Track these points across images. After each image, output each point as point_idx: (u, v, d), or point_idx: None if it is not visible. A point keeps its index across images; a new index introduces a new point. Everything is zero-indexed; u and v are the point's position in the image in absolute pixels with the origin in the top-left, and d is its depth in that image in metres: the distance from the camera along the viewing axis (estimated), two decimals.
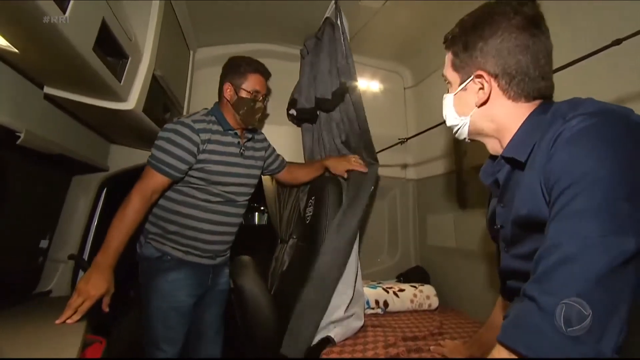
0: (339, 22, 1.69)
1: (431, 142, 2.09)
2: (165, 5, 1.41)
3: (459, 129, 0.83)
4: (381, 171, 2.23)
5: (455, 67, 0.80)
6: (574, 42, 1.11)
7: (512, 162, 0.73)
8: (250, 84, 1.47)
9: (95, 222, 1.92)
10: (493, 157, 0.83)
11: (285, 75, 2.05)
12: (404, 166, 2.33)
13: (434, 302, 1.94)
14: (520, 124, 0.72)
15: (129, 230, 1.24)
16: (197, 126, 1.36)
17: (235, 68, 1.49)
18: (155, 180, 1.32)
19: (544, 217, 0.60)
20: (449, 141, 1.97)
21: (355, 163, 1.71)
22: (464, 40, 0.77)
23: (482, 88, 0.76)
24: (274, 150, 1.74)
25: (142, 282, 1.42)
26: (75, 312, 1.08)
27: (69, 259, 1.75)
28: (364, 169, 1.69)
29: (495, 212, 0.83)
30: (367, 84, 2.35)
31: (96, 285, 1.13)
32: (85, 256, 1.89)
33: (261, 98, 1.49)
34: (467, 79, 0.78)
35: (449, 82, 0.84)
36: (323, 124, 1.90)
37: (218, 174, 1.42)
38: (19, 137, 1.08)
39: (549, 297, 0.51)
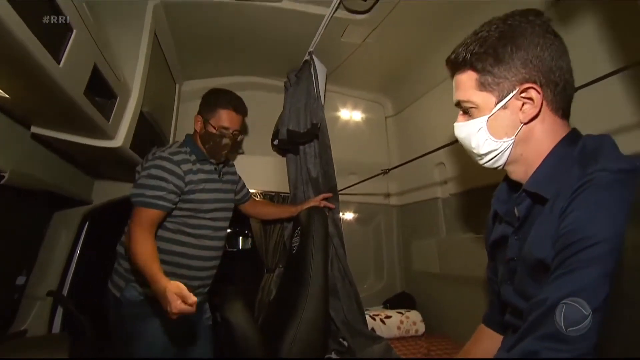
0: (312, 71, 1.81)
1: (413, 169, 2.15)
2: (152, 40, 1.43)
3: (497, 154, 0.72)
4: (365, 198, 2.30)
5: (486, 86, 0.69)
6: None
7: (535, 196, 0.69)
8: (218, 120, 1.42)
9: (76, 257, 1.87)
10: (508, 182, 0.79)
11: (270, 106, 2.10)
12: (387, 195, 2.38)
13: (421, 328, 1.96)
14: (549, 147, 0.68)
15: (154, 255, 1.16)
16: (176, 158, 1.33)
17: (207, 101, 1.47)
18: (147, 217, 1.24)
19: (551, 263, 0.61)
20: (430, 168, 2.04)
21: (319, 201, 1.77)
22: (494, 53, 0.67)
23: (526, 102, 0.68)
24: (241, 179, 1.73)
25: (121, 327, 1.34)
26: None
27: (48, 296, 1.70)
28: (330, 205, 1.78)
29: (502, 237, 0.80)
30: (350, 114, 2.42)
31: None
32: (65, 292, 1.83)
33: (230, 135, 1.44)
34: (507, 95, 0.68)
35: (471, 107, 0.72)
36: (302, 156, 1.96)
37: (206, 201, 1.40)
38: (3, 177, 1.07)
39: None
